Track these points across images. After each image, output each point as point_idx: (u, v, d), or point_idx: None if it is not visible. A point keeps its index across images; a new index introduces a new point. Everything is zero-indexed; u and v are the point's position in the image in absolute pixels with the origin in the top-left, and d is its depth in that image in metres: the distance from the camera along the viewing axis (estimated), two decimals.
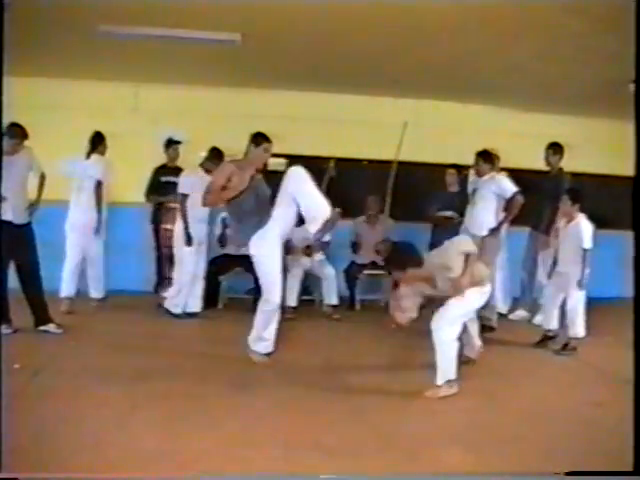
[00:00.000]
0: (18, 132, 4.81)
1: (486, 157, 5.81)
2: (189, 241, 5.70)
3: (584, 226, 4.98)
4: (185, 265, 5.78)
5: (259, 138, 4.59)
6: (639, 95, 3.28)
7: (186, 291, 5.84)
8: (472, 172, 7.13)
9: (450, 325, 3.95)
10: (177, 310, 5.84)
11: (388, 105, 7.29)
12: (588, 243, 4.94)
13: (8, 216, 4.74)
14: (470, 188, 6.30)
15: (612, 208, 7.16)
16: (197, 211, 5.58)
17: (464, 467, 2.87)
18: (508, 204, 5.64)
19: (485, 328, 5.30)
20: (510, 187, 5.61)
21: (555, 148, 6.23)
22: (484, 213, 5.65)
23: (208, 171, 5.53)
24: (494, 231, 5.57)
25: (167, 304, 5.87)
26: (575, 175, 7.21)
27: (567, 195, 5.10)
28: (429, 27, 4.66)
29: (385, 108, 7.29)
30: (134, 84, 6.99)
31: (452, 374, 3.93)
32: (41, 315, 4.96)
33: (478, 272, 4.09)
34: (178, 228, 5.82)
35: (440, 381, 3.91)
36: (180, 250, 5.80)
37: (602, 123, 7.52)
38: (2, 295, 4.82)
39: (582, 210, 5.11)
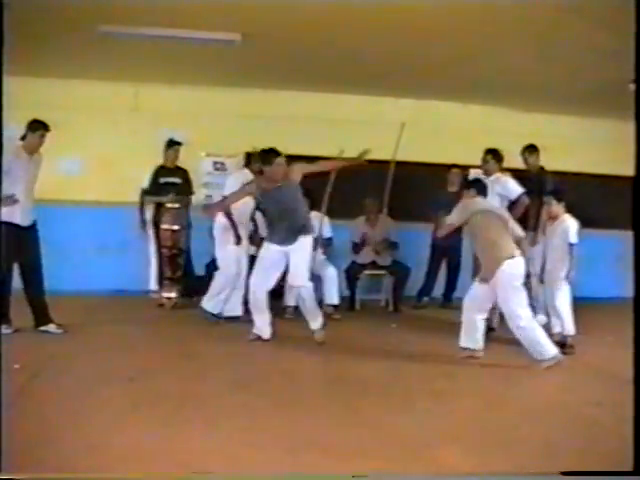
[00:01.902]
0: (39, 126, 4.80)
1: (495, 155, 5.81)
2: (238, 241, 5.72)
3: (570, 223, 5.12)
4: (228, 266, 5.61)
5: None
6: (639, 95, 3.28)
7: (227, 293, 5.62)
8: (473, 172, 7.11)
9: (522, 305, 4.38)
10: (216, 310, 5.61)
11: (388, 105, 7.29)
12: (574, 238, 5.07)
13: (16, 218, 4.72)
14: None
15: (612, 208, 7.16)
16: (242, 212, 5.58)
17: (464, 467, 2.86)
18: (513, 205, 5.64)
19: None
20: (516, 188, 5.62)
21: (530, 149, 6.26)
22: None
23: (256, 172, 5.43)
24: None
25: (205, 304, 5.61)
26: (575, 175, 7.24)
27: (552, 195, 5.21)
28: (429, 27, 4.66)
29: (385, 108, 7.29)
30: (134, 84, 6.98)
31: (551, 349, 4.37)
32: (41, 315, 4.96)
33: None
34: (223, 229, 5.61)
35: (544, 356, 4.36)
36: (223, 251, 5.65)
37: (602, 123, 7.52)
38: (4, 295, 4.82)
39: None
